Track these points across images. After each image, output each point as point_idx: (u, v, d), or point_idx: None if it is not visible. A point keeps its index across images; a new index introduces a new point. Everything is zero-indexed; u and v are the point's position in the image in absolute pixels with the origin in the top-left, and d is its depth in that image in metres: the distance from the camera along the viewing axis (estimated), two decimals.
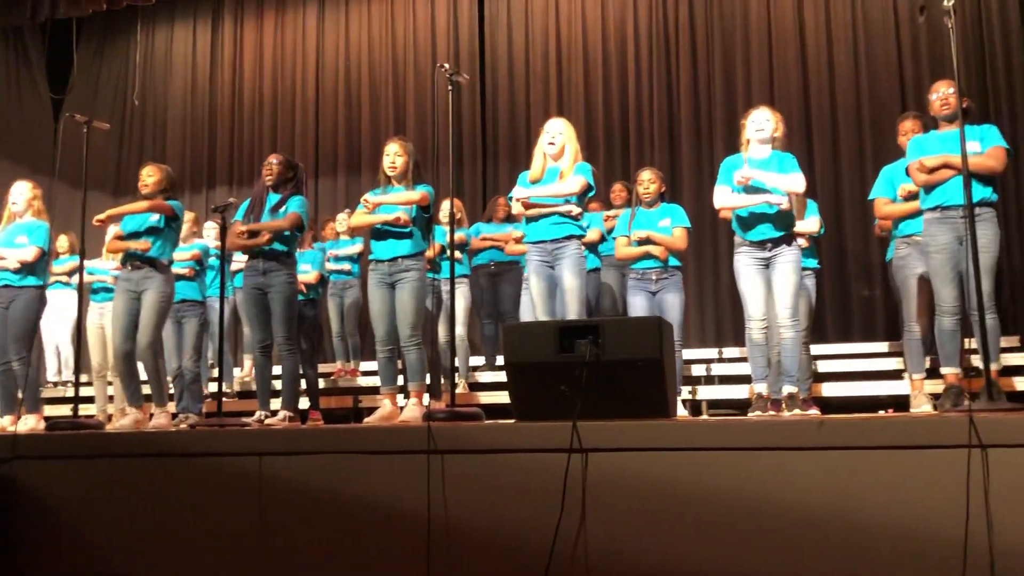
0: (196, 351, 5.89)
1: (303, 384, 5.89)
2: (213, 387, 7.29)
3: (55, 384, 8.05)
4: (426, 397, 5.47)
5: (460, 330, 6.84)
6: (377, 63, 10.02)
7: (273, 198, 5.32)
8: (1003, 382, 5.44)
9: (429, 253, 6.77)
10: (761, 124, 4.75)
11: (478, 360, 7.58)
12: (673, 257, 5.44)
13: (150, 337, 5.25)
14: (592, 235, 6.07)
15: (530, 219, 4.99)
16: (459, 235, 6.64)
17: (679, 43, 8.90)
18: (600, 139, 9.00)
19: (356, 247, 7.42)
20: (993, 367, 3.57)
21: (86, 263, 5.73)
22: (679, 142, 8.74)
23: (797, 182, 4.64)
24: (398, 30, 9.99)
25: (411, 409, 4.94)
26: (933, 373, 5.19)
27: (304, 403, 5.90)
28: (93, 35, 11.10)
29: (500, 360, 7.30)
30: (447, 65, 4.26)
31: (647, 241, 5.40)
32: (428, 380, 5.48)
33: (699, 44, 8.84)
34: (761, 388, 4.73)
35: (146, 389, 5.37)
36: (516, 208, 5.08)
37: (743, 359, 6.27)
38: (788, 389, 4.67)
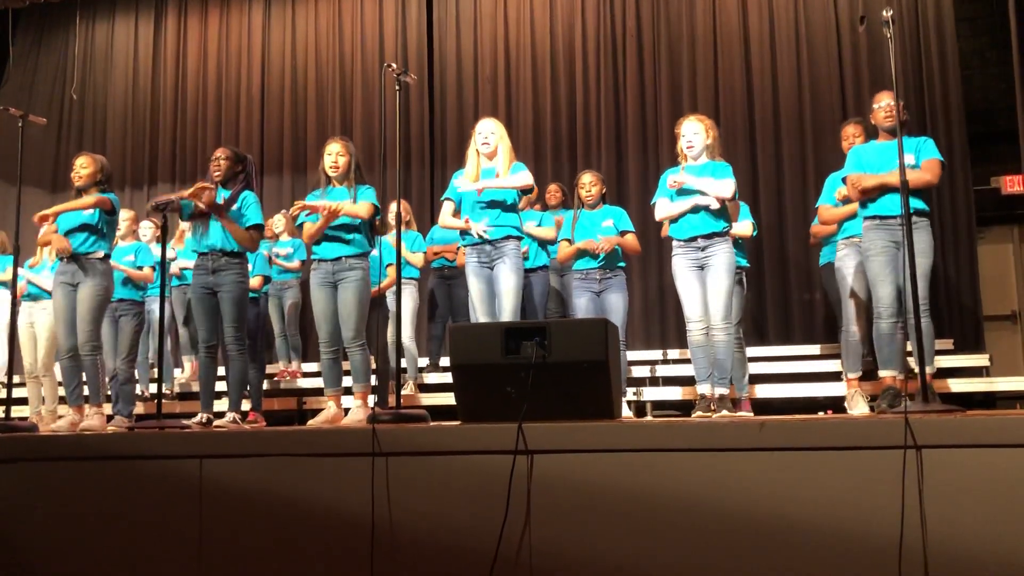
0: (130, 352, 5.76)
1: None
2: (150, 388, 7.21)
3: None
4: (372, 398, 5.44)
5: (408, 332, 6.80)
6: (324, 62, 9.92)
7: (223, 194, 5.21)
8: (937, 384, 5.59)
9: (417, 259, 6.78)
10: (690, 139, 4.86)
11: (424, 361, 7.56)
12: (617, 257, 5.51)
13: (86, 334, 5.13)
14: (548, 233, 6.09)
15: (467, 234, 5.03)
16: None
17: (626, 48, 8.98)
18: (547, 142, 9.04)
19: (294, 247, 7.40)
20: (928, 370, 3.66)
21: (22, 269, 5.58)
22: (625, 146, 8.82)
23: (725, 188, 4.73)
24: (345, 29, 9.91)
25: (356, 411, 4.90)
26: (870, 375, 5.31)
27: (245, 404, 5.81)
28: (30, 26, 10.82)
29: (444, 361, 7.31)
30: (395, 65, 4.24)
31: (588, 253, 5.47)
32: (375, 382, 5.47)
33: (646, 49, 8.93)
34: (704, 389, 4.80)
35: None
36: (443, 223, 5.16)
37: (687, 360, 6.35)
38: (720, 390, 4.75)
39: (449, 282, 6.98)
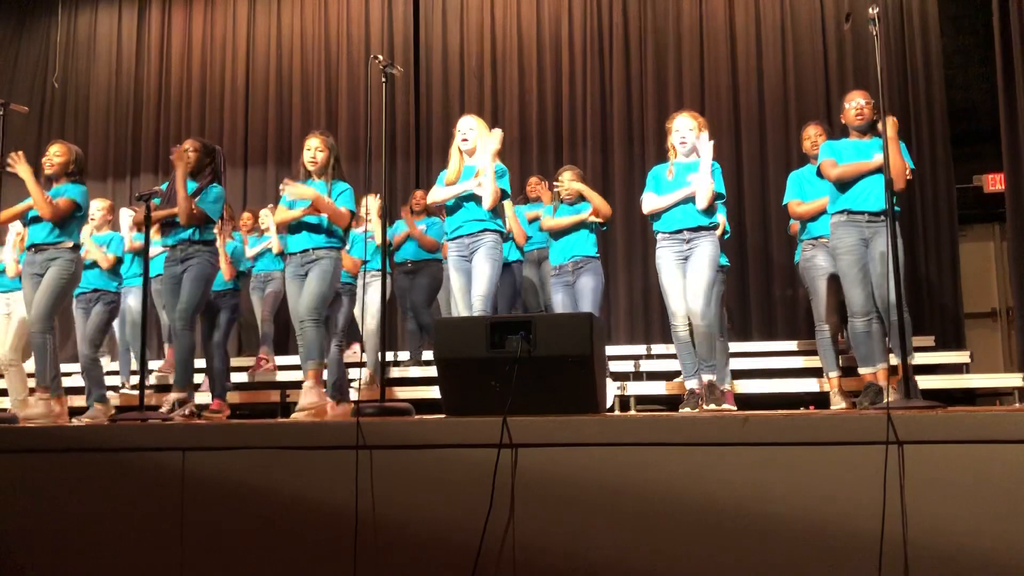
0: (97, 337, 5.71)
1: (210, 372, 5.78)
2: (131, 380, 7.16)
3: None
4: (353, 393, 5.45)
5: (372, 323, 6.73)
6: (309, 53, 9.88)
7: (191, 186, 5.17)
8: (919, 380, 5.63)
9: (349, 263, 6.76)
10: (684, 134, 4.83)
11: (403, 355, 7.56)
12: (591, 247, 5.62)
13: (40, 311, 5.06)
14: (517, 238, 6.18)
15: (448, 213, 5.08)
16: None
17: (612, 42, 8.99)
18: (533, 137, 9.05)
19: (267, 243, 7.37)
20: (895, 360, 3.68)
21: None
22: (611, 141, 8.83)
23: (706, 191, 4.68)
24: (331, 21, 9.86)
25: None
26: (851, 371, 5.34)
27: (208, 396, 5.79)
28: (12, 14, 10.69)
29: (425, 355, 7.30)
30: (381, 57, 4.22)
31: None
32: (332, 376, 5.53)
33: (632, 44, 8.95)
34: (692, 384, 4.80)
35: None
36: (431, 197, 5.19)
37: (671, 355, 6.37)
38: (707, 376, 4.75)
39: (411, 276, 6.99)
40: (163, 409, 4.95)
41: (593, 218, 5.66)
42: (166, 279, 5.20)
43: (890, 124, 4.41)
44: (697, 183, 4.69)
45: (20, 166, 5.09)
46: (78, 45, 10.54)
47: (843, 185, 4.59)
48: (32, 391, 5.57)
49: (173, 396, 5.10)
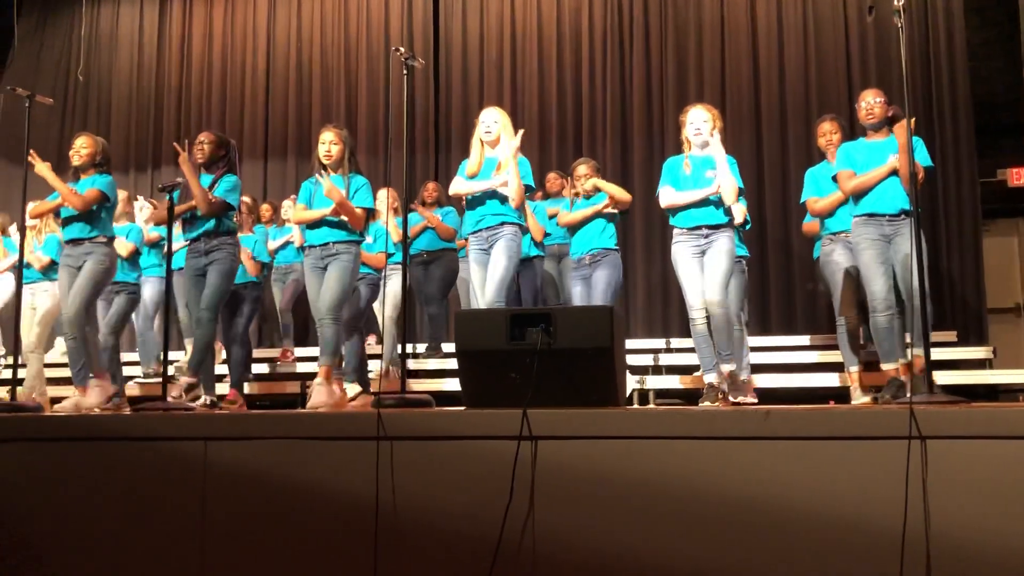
0: (118, 325, 5.86)
1: (230, 362, 5.81)
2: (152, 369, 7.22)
3: None
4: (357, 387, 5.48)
5: (390, 313, 6.74)
6: (329, 46, 9.89)
7: (206, 179, 5.21)
8: (941, 375, 5.59)
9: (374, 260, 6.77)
10: (699, 126, 4.81)
11: (420, 347, 7.58)
12: (608, 239, 5.59)
13: (76, 306, 5.16)
14: (536, 233, 6.19)
15: (467, 207, 5.08)
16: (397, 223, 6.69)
17: (633, 35, 8.95)
18: (552, 129, 9.03)
19: (288, 236, 7.40)
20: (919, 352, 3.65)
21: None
22: (631, 133, 8.80)
23: (731, 188, 4.69)
24: (351, 13, 9.87)
25: (319, 390, 4.91)
26: (874, 365, 5.31)
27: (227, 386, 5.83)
28: (36, 6, 10.78)
29: (445, 348, 7.31)
30: (402, 49, 4.22)
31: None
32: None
33: (652, 36, 8.91)
34: (711, 378, 4.78)
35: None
36: (453, 189, 5.18)
37: (690, 349, 6.35)
38: (726, 367, 4.74)
39: (427, 267, 6.99)
40: (174, 394, 4.98)
41: (610, 208, 5.64)
42: (188, 271, 5.22)
43: (899, 130, 4.42)
44: (721, 181, 4.67)
45: (38, 164, 5.16)
46: (100, 39, 10.62)
47: (859, 194, 4.61)
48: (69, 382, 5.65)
49: (184, 380, 5.15)
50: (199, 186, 5.08)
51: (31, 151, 5.10)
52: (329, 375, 5.00)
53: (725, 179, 4.67)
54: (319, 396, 4.89)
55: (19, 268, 5.16)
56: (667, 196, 4.85)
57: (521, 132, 5.06)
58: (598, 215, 5.65)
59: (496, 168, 4.98)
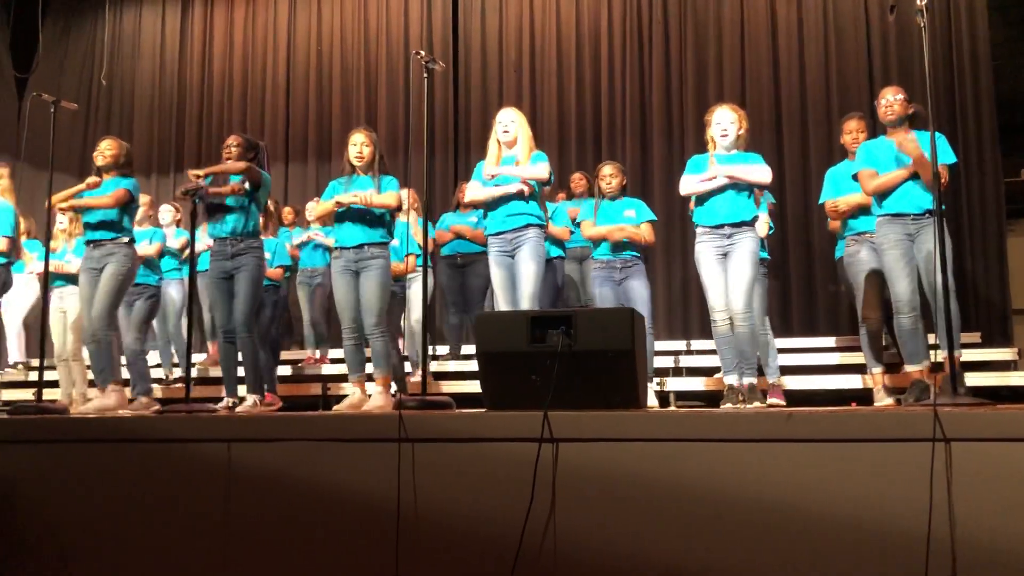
0: (139, 330, 5.89)
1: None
2: (174, 372, 7.27)
3: (15, 366, 7.93)
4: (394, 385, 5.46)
5: (415, 318, 6.74)
6: (349, 49, 9.95)
7: (235, 180, 5.24)
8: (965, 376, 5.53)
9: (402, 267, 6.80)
10: (725, 127, 4.78)
11: (443, 349, 7.58)
12: (636, 246, 5.49)
13: (100, 309, 5.22)
14: (560, 232, 6.15)
15: (488, 208, 5.04)
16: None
17: (652, 36, 8.93)
18: (572, 131, 9.02)
19: (311, 234, 7.40)
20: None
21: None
22: (650, 135, 8.77)
23: (765, 174, 4.76)
24: (371, 16, 9.92)
25: (377, 397, 4.94)
26: (897, 367, 5.27)
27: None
28: (60, 13, 10.91)
29: (465, 350, 7.32)
30: (423, 52, 4.24)
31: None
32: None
33: (672, 38, 8.88)
34: (732, 380, 4.76)
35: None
36: (469, 196, 5.19)
37: (711, 351, 6.33)
38: (748, 379, 4.72)
39: (462, 270, 6.98)
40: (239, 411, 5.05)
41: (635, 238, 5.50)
42: (213, 274, 5.25)
43: (897, 133, 4.41)
44: (751, 168, 4.71)
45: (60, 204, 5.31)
46: (123, 43, 10.73)
47: (882, 194, 4.58)
48: (91, 384, 5.70)
49: (251, 399, 5.21)
50: (231, 164, 5.15)
51: (64, 207, 5.26)
52: (387, 384, 5.04)
53: (756, 166, 4.72)
54: (376, 401, 4.92)
55: (44, 273, 5.21)
56: (687, 184, 4.80)
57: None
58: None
59: (515, 165, 5.00)
